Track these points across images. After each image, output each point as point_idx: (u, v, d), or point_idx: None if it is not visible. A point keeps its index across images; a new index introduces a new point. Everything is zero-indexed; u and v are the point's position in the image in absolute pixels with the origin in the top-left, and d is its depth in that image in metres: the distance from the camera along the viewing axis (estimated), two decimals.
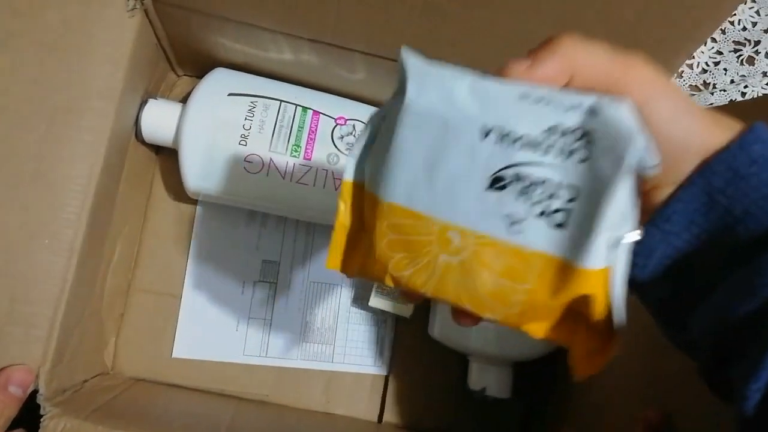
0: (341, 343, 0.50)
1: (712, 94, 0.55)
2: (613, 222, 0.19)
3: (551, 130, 0.20)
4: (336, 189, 0.44)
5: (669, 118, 0.20)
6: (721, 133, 0.20)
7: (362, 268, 0.24)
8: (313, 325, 0.50)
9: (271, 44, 0.42)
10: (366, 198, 0.24)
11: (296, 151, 0.44)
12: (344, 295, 0.50)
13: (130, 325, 0.47)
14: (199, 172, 0.43)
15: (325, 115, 0.45)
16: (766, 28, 0.56)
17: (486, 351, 0.45)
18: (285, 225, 0.50)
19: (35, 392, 0.33)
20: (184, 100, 0.44)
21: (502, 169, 0.20)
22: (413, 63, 0.21)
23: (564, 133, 0.19)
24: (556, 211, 0.20)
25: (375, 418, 0.49)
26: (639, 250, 0.21)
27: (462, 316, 0.24)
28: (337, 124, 0.45)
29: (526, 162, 0.20)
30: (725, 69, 0.56)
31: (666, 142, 0.20)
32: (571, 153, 0.19)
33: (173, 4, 0.39)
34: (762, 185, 0.20)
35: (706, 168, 0.20)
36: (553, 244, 0.20)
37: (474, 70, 0.21)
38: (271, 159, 0.43)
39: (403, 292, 0.24)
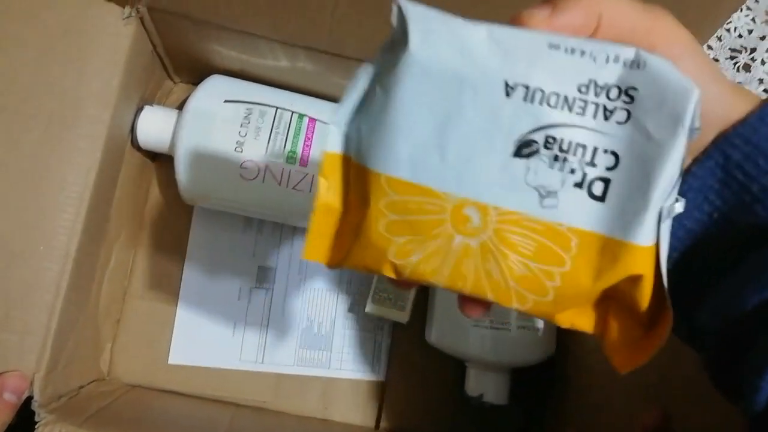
0: (338, 349, 0.50)
1: None
2: (664, 190, 0.17)
3: (587, 86, 0.17)
4: None
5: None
6: (741, 104, 0.19)
7: (348, 257, 0.20)
8: (309, 331, 0.50)
9: (267, 52, 0.42)
10: (355, 172, 0.20)
11: (292, 157, 0.44)
12: (341, 301, 0.50)
13: (126, 331, 0.47)
14: (195, 178, 0.43)
15: (321, 121, 0.45)
16: (762, 36, 0.56)
17: (483, 357, 0.45)
18: (281, 231, 0.50)
19: (30, 398, 0.33)
20: (181, 107, 0.44)
21: (530, 132, 0.18)
22: (414, 9, 0.18)
23: (601, 90, 0.17)
24: (596, 180, 0.18)
25: (372, 425, 0.49)
26: None
27: (469, 305, 0.21)
28: None
29: (558, 123, 0.17)
30: None
31: None
32: (610, 112, 0.17)
33: (169, 12, 0.39)
34: None
35: (724, 140, 0.19)
36: (594, 219, 0.18)
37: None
38: (267, 166, 0.43)
39: (395, 281, 0.21)
